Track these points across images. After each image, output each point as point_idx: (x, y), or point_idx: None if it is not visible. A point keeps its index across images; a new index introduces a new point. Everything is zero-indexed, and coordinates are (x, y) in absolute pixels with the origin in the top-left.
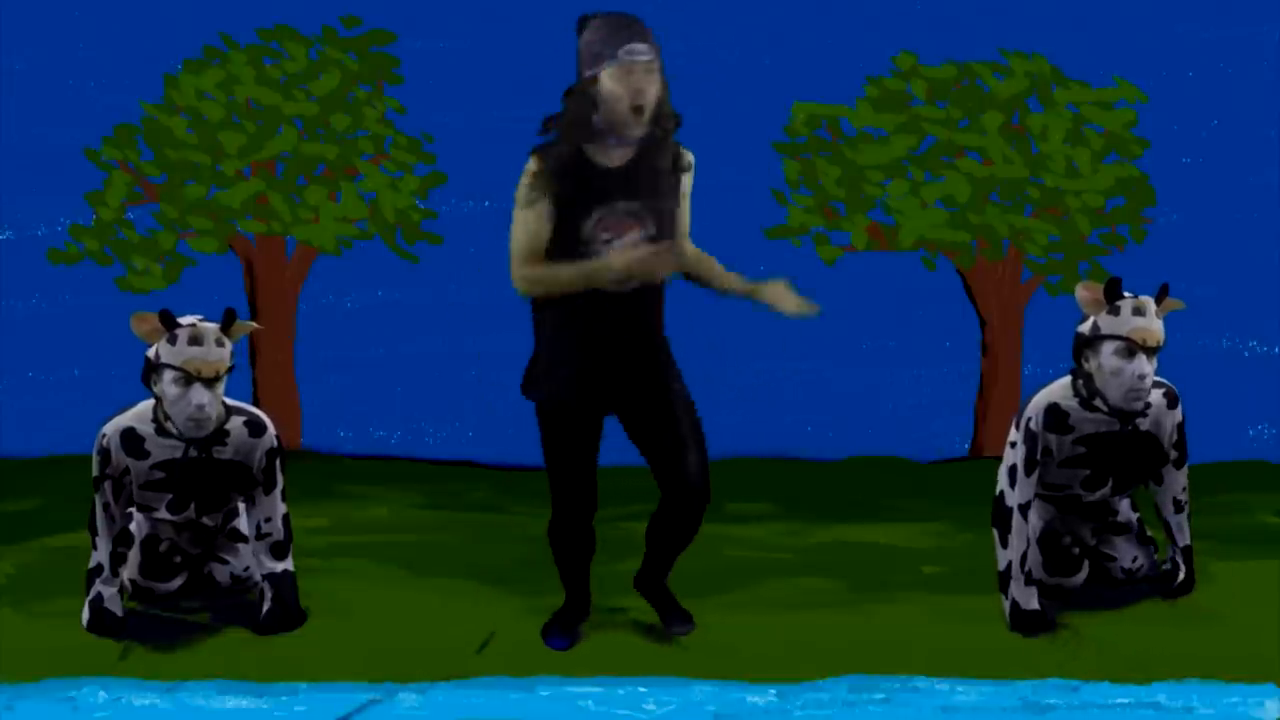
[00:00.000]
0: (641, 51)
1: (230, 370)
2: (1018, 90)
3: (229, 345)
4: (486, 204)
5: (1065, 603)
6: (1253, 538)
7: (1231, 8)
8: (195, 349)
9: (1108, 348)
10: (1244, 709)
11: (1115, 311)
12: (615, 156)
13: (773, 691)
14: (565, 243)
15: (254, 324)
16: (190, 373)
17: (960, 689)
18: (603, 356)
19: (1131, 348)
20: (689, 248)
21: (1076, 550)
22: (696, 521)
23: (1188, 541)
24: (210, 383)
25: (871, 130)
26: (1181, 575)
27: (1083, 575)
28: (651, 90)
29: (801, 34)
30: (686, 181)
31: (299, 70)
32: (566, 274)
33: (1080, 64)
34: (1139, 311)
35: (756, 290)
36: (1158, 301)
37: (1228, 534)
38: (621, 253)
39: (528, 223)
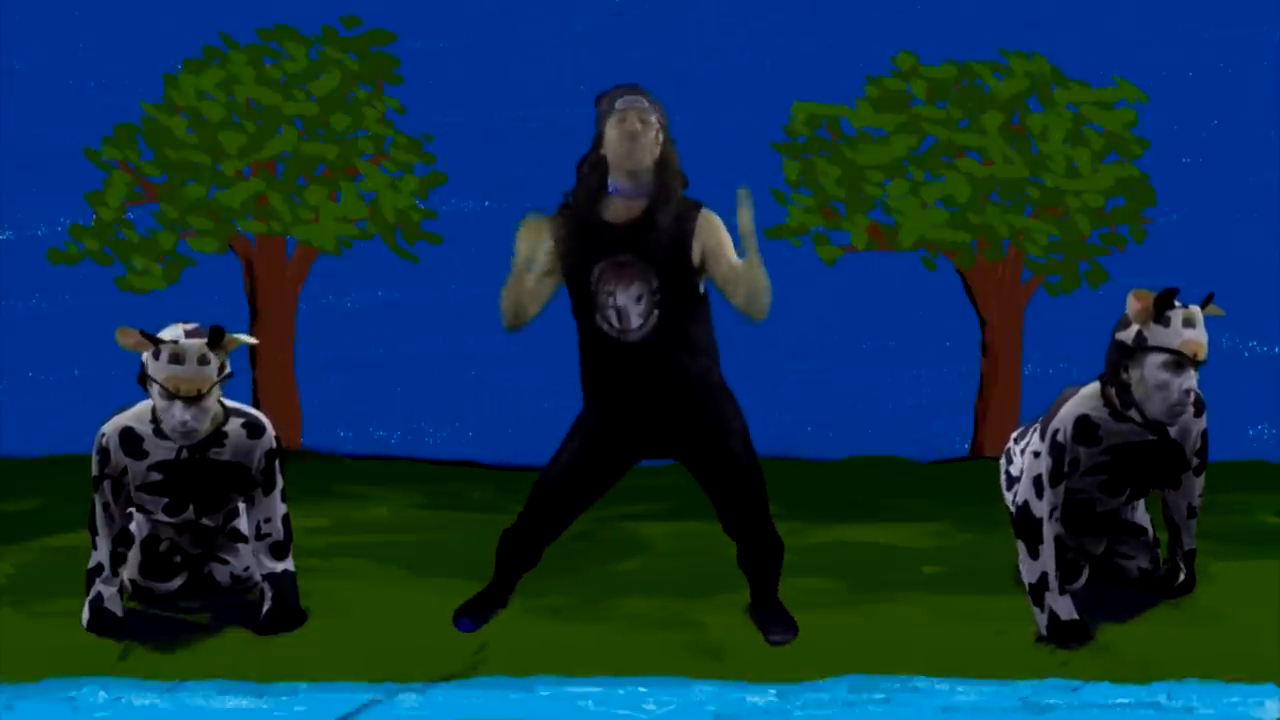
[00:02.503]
0: (634, 101)
1: (227, 378)
2: (1018, 90)
3: (214, 361)
4: (486, 204)
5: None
6: (1253, 538)
7: (1231, 8)
8: (175, 368)
9: (1154, 360)
10: (1244, 709)
11: (1165, 322)
12: (622, 213)
13: (773, 691)
14: (576, 293)
15: (249, 338)
16: (170, 391)
17: (960, 689)
18: (626, 405)
19: (1180, 361)
20: (737, 272)
21: (1081, 561)
22: (771, 566)
23: (1192, 546)
24: (192, 400)
25: (871, 130)
26: (1182, 576)
27: (1081, 581)
28: (647, 135)
29: (801, 34)
30: (710, 232)
31: (299, 70)
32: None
33: (1080, 64)
34: (1189, 323)
35: (746, 236)
36: (1201, 308)
37: (1228, 534)
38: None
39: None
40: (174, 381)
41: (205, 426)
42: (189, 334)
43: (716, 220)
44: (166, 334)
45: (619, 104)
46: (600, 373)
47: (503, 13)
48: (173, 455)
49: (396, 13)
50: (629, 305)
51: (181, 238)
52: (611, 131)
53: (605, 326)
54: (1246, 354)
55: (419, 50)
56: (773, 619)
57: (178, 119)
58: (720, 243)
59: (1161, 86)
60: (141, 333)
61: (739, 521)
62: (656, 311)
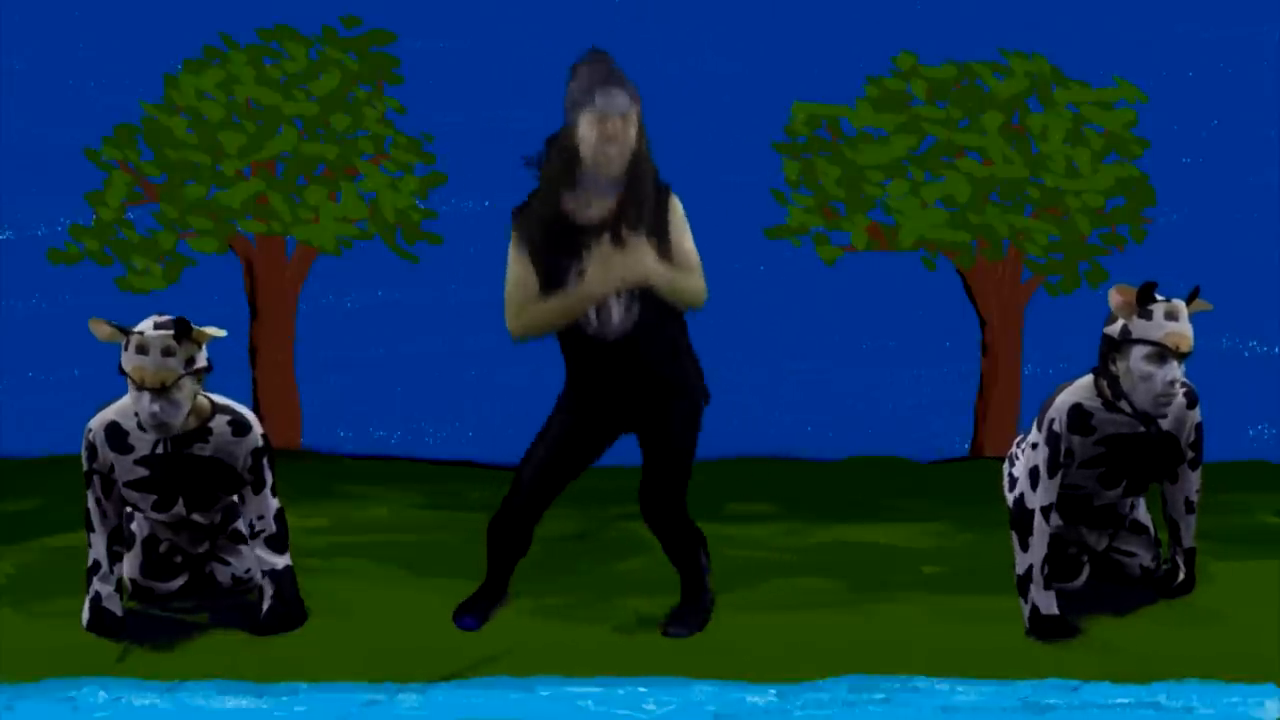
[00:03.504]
0: (615, 101)
1: (204, 372)
2: (1018, 90)
3: (180, 354)
4: (486, 204)
5: (1065, 604)
6: (1253, 538)
7: (1231, 8)
8: (140, 358)
9: (1138, 352)
10: (1244, 709)
11: (1148, 315)
12: (594, 210)
13: (773, 691)
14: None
15: (217, 330)
16: (136, 382)
17: (960, 689)
18: (604, 395)
19: (1163, 353)
20: (678, 274)
21: (1083, 557)
22: (690, 556)
23: (1192, 544)
24: (158, 392)
25: (871, 130)
26: (1181, 575)
27: (1082, 579)
28: (625, 136)
29: (801, 34)
30: (673, 218)
31: (299, 70)
32: (548, 308)
33: (1080, 64)
34: (1172, 316)
35: None
36: (1187, 303)
37: (1228, 534)
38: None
39: (515, 275)
40: (139, 373)
41: (178, 420)
42: (158, 325)
43: (679, 206)
44: (140, 326)
45: (598, 101)
46: (581, 367)
47: (503, 13)
48: (152, 449)
49: (396, 13)
50: (610, 302)
51: (181, 238)
52: (588, 131)
53: (585, 325)
54: (1246, 354)
55: (419, 50)
56: (676, 614)
57: (178, 119)
58: (676, 230)
59: (1161, 86)
60: (111, 324)
61: (649, 511)
62: (637, 306)
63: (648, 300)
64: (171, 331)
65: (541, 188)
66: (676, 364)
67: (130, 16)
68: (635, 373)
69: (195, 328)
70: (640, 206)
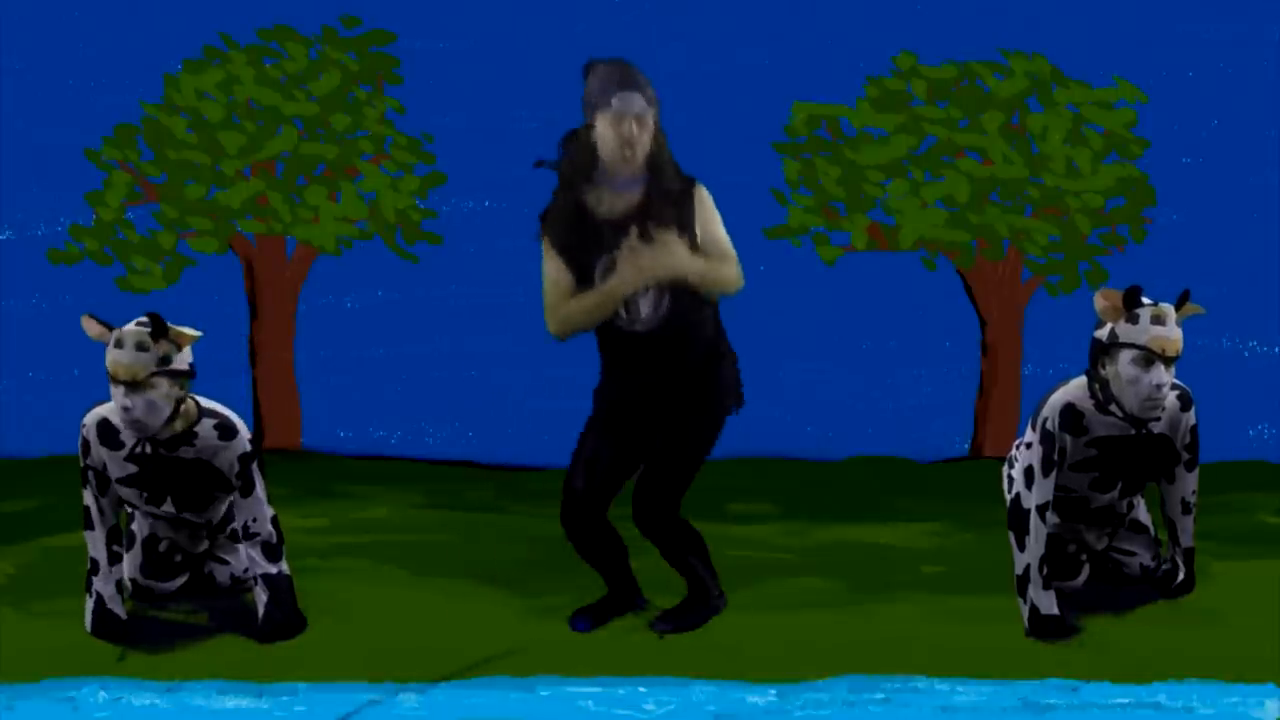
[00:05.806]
0: (633, 101)
1: (185, 375)
2: (1018, 90)
3: (154, 350)
4: (486, 204)
5: (1065, 604)
6: (1253, 538)
7: (1231, 7)
8: (116, 352)
9: (1125, 356)
10: (1244, 709)
11: (1134, 319)
12: (617, 206)
13: (773, 691)
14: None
15: (193, 332)
16: (111, 375)
17: (960, 689)
18: (637, 393)
19: (1150, 357)
20: (712, 265)
21: (1083, 556)
22: (685, 557)
23: (1190, 544)
24: (132, 388)
25: (871, 130)
26: (1181, 575)
27: (1082, 578)
28: (642, 138)
29: (801, 34)
30: (699, 210)
31: (299, 70)
32: (581, 306)
33: (1080, 64)
34: (1158, 320)
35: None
36: (1177, 307)
37: (1228, 534)
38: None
39: (548, 276)
40: (114, 366)
41: (154, 421)
42: (138, 323)
43: (707, 197)
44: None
45: (615, 102)
46: (615, 361)
47: (503, 13)
48: (138, 447)
49: (396, 13)
50: (638, 296)
51: (181, 238)
52: (606, 131)
53: (616, 319)
54: (1246, 354)
55: (419, 50)
56: (670, 610)
57: (178, 119)
58: (706, 220)
59: (1161, 86)
60: (100, 322)
61: (640, 513)
62: (667, 300)
63: (678, 296)
64: (148, 328)
65: (562, 187)
66: (711, 365)
67: (130, 16)
68: (666, 368)
69: (171, 327)
70: (665, 201)
